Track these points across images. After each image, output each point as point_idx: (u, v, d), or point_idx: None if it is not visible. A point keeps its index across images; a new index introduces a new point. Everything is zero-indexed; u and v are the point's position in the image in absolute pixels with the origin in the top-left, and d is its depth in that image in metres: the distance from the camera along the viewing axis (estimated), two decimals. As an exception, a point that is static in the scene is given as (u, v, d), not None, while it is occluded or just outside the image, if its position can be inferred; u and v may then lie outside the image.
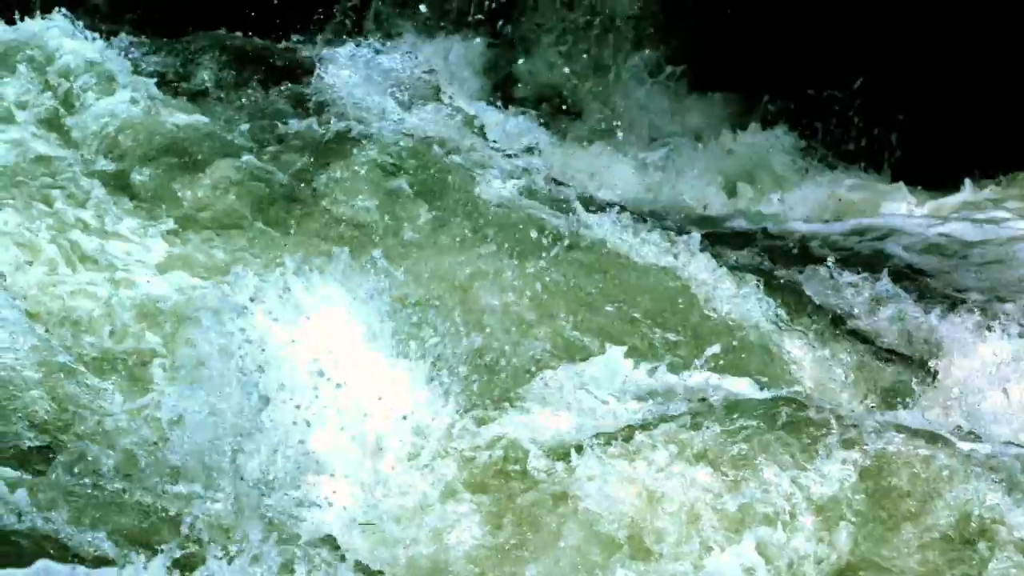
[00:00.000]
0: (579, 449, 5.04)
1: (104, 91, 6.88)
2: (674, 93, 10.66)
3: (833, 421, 5.04)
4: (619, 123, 10.20)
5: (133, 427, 5.00)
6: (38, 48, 7.01)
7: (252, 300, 5.00)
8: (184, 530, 4.39)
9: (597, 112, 10.53)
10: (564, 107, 10.60)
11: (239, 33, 9.19)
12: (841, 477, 4.89)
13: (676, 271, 6.51)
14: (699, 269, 6.49)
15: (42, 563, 3.99)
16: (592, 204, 6.85)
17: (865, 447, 4.95)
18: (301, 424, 4.92)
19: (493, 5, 10.90)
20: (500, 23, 10.93)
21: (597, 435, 5.14)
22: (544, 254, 6.33)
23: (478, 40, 10.79)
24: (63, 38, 7.05)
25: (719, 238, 7.69)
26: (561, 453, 5.08)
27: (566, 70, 10.75)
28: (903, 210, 9.21)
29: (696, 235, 6.47)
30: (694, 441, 5.03)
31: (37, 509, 4.36)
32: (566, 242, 6.45)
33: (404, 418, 5.19)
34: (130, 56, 7.44)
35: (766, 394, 5.44)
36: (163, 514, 4.57)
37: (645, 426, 5.15)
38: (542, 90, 10.71)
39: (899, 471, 4.90)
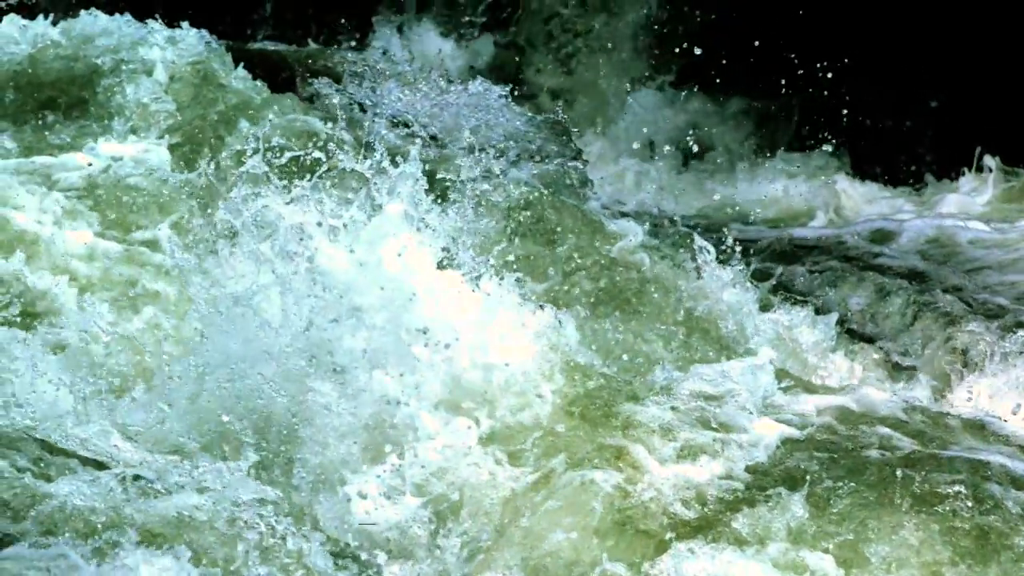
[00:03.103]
0: (663, 540, 4.62)
1: (209, 107, 6.55)
2: (698, 106, 10.29)
3: (943, 483, 4.74)
4: (619, 128, 9.91)
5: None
6: (135, 54, 6.65)
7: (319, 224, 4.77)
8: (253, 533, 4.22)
9: (610, 124, 10.24)
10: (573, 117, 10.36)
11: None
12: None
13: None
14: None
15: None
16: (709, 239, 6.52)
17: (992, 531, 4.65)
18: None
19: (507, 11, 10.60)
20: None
21: (695, 507, 4.78)
22: (663, 299, 6.15)
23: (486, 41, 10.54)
24: (158, 44, 6.71)
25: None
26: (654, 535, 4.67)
27: (579, 79, 10.49)
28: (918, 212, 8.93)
29: (834, 316, 6.24)
30: (797, 515, 4.69)
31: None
32: (683, 289, 6.25)
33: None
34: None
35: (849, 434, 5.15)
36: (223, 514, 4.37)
37: (743, 499, 4.78)
38: (552, 98, 10.40)
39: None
